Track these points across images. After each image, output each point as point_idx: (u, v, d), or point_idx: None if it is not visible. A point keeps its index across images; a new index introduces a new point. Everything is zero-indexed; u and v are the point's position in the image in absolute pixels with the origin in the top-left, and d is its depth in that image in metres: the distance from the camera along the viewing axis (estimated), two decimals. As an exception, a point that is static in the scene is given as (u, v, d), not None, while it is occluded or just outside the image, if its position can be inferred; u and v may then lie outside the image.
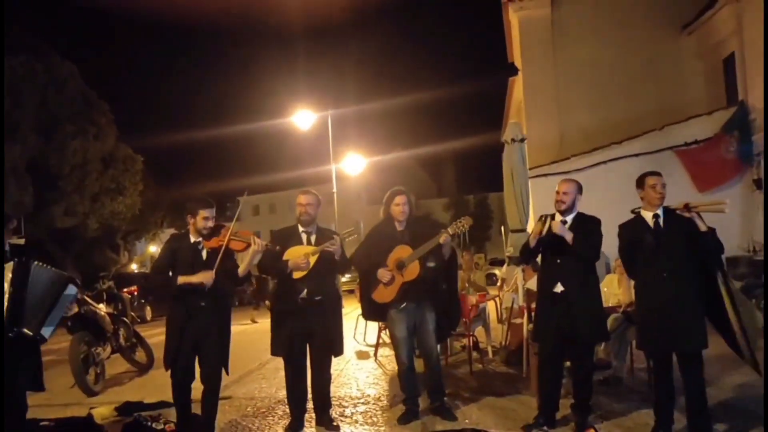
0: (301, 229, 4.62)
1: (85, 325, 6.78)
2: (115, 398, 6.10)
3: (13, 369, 3.67)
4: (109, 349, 7.17)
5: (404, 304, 4.63)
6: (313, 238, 4.60)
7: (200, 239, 4.34)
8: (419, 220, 4.90)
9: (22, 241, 4.23)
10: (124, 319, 7.77)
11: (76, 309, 5.67)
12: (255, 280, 15.50)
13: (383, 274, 4.58)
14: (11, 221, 4.00)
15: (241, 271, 4.40)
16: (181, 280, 4.19)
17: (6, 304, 3.56)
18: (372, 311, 5.02)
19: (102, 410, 5.42)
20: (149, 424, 4.57)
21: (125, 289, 9.14)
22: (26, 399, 3.97)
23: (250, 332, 13.18)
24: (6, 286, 3.59)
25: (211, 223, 4.32)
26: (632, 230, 4.06)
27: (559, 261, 4.22)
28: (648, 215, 4.02)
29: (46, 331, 3.79)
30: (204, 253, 4.32)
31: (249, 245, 4.28)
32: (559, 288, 4.19)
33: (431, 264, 4.55)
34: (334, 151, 20.63)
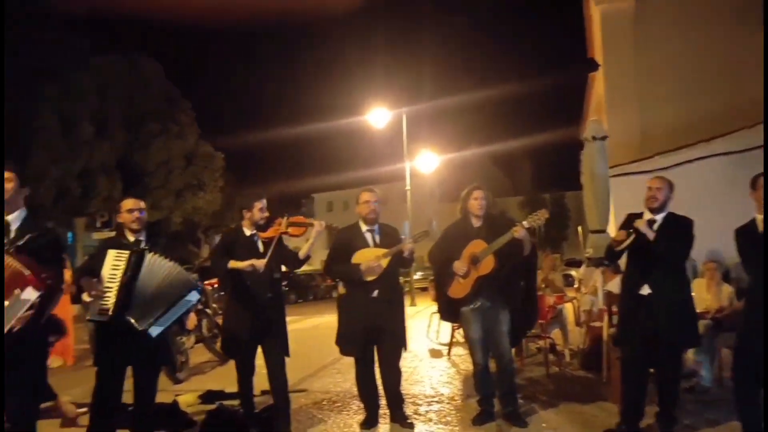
0: (364, 228, 4.64)
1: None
2: (198, 386, 6.35)
3: (125, 352, 3.84)
4: (192, 338, 7.47)
5: (479, 303, 4.56)
6: (377, 238, 4.63)
7: (255, 232, 4.47)
8: (496, 217, 4.81)
9: (113, 234, 4.41)
10: (207, 310, 8.08)
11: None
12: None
13: (458, 266, 4.53)
14: (102, 215, 4.20)
15: (302, 253, 4.54)
16: (232, 264, 4.32)
17: (116, 290, 3.73)
18: (448, 311, 4.98)
19: (186, 397, 5.67)
20: (231, 412, 4.71)
21: (206, 282, 9.45)
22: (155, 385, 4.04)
23: (325, 326, 13.42)
24: (118, 273, 3.76)
25: (266, 214, 4.49)
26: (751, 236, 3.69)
27: (645, 262, 4.05)
28: (760, 219, 3.69)
29: (154, 330, 3.78)
30: (260, 245, 4.45)
31: (307, 228, 4.43)
32: (645, 290, 4.03)
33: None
34: (408, 149, 20.70)
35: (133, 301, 3.70)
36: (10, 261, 3.22)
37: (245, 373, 4.51)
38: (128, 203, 3.97)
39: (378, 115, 19.77)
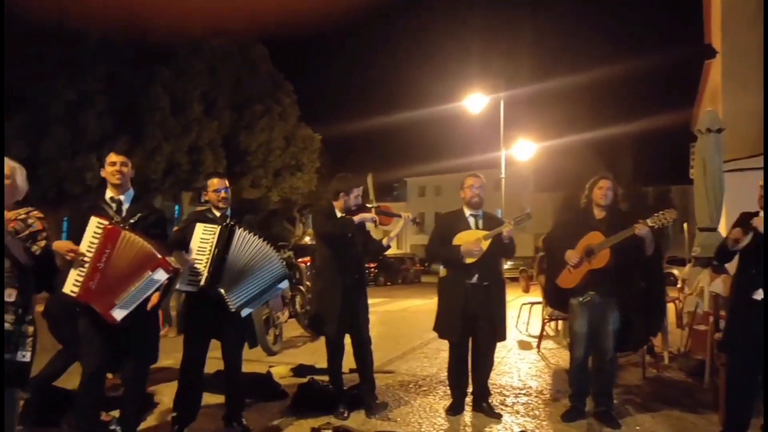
0: (467, 212, 4.62)
1: (267, 289, 7.39)
2: (291, 360, 6.60)
3: (211, 325, 4.07)
4: (287, 313, 7.77)
5: (588, 297, 4.39)
6: (480, 223, 4.58)
7: (345, 215, 4.54)
8: (620, 211, 4.61)
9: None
10: (301, 287, 8.37)
11: (286, 316, 5.95)
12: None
13: (571, 255, 4.38)
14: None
15: (385, 241, 4.66)
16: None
17: (206, 263, 3.95)
18: (555, 298, 4.87)
19: (279, 369, 5.91)
20: (321, 387, 4.86)
21: (300, 260, 9.80)
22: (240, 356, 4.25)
23: (413, 310, 13.54)
24: (207, 246, 3.97)
25: (359, 201, 4.60)
26: None
27: (761, 265, 3.77)
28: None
29: (245, 311, 3.97)
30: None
31: (394, 218, 4.56)
32: (759, 295, 3.75)
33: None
34: (504, 135, 20.31)
35: (224, 275, 3.90)
36: (138, 240, 3.47)
37: (334, 352, 4.61)
38: (214, 183, 4.16)
39: (474, 101, 19.50)
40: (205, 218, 4.09)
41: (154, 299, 3.60)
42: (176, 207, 25.92)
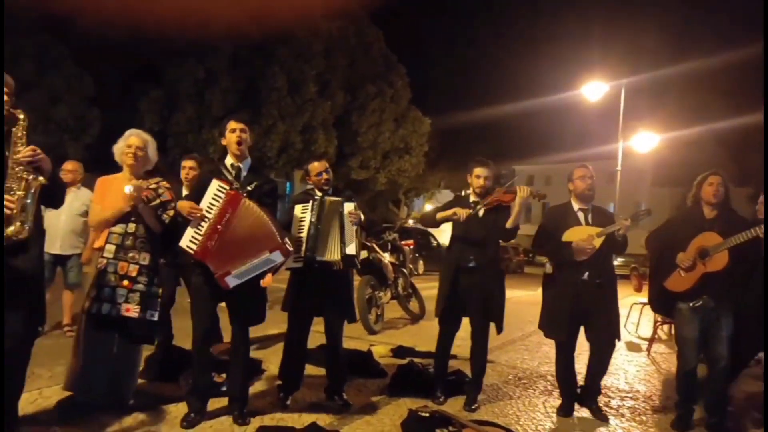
0: (576, 206, 4.43)
1: (371, 269, 7.54)
2: (390, 340, 6.71)
3: (314, 302, 4.25)
4: (389, 294, 7.89)
5: (701, 302, 4.11)
6: (590, 217, 4.39)
7: (478, 199, 4.48)
8: (733, 211, 4.28)
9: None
10: (404, 269, 8.45)
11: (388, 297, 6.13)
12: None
13: (683, 258, 4.11)
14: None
15: (509, 223, 4.38)
16: (440, 215, 4.45)
17: (306, 236, 4.14)
18: (661, 302, 4.54)
19: (379, 349, 6.02)
20: (421, 370, 4.91)
21: (404, 242, 9.89)
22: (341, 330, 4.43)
23: (515, 300, 13.30)
24: (304, 224, 4.17)
25: (482, 182, 4.46)
26: None
27: None
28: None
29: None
30: (481, 212, 4.40)
31: (515, 195, 4.31)
32: None
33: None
34: (622, 125, 19.34)
35: (318, 245, 4.10)
36: (257, 211, 3.66)
37: (446, 337, 4.60)
38: (315, 167, 4.35)
39: (593, 89, 18.67)
40: (304, 200, 4.30)
41: (269, 279, 3.80)
42: (287, 184, 26.89)
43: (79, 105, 19.26)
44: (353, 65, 25.26)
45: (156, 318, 3.81)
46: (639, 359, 6.86)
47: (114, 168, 4.02)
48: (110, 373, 3.77)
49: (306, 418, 3.97)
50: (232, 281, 3.63)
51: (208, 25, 19.45)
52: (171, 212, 3.88)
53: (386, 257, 8.01)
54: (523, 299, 13.15)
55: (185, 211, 3.61)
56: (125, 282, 3.71)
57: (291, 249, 3.75)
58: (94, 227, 4.24)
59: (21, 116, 2.89)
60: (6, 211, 2.77)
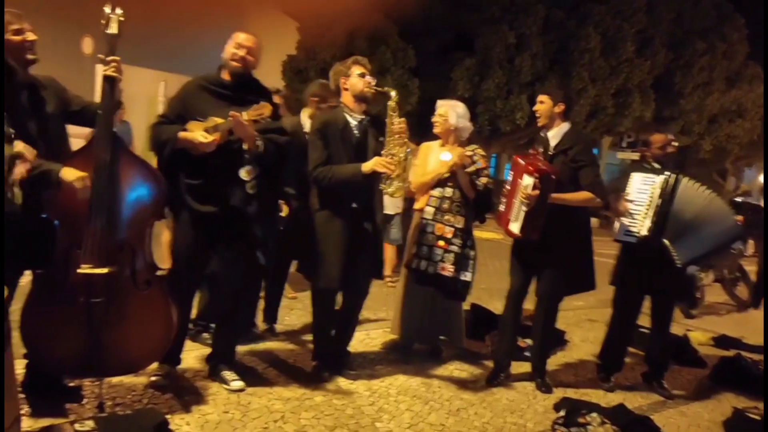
0: None
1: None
2: (709, 327, 6.09)
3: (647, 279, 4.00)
4: (711, 276, 7.09)
5: None
6: None
7: None
8: None
9: (636, 156, 4.47)
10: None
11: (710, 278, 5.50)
12: None
13: None
14: (629, 135, 4.39)
15: None
16: None
17: (646, 213, 3.84)
18: None
19: (697, 335, 5.51)
20: (750, 366, 4.34)
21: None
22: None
23: None
24: (645, 196, 3.87)
25: None
26: None
27: None
28: None
29: (691, 269, 3.93)
30: None
31: None
32: None
33: None
34: None
35: (667, 227, 3.74)
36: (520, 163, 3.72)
37: None
38: (658, 138, 4.11)
39: None
40: (643, 168, 3.99)
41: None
42: (595, 150, 25.78)
43: (402, 76, 21.08)
44: (679, 19, 22.71)
45: (469, 279, 4.06)
46: None
47: (432, 135, 4.35)
48: (431, 323, 4.19)
49: (612, 398, 3.85)
50: (514, 226, 3.75)
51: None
52: (484, 179, 4.04)
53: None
54: None
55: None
56: (441, 243, 4.02)
57: (542, 171, 3.59)
58: (415, 189, 4.68)
59: (392, 93, 3.44)
60: (387, 172, 3.30)
